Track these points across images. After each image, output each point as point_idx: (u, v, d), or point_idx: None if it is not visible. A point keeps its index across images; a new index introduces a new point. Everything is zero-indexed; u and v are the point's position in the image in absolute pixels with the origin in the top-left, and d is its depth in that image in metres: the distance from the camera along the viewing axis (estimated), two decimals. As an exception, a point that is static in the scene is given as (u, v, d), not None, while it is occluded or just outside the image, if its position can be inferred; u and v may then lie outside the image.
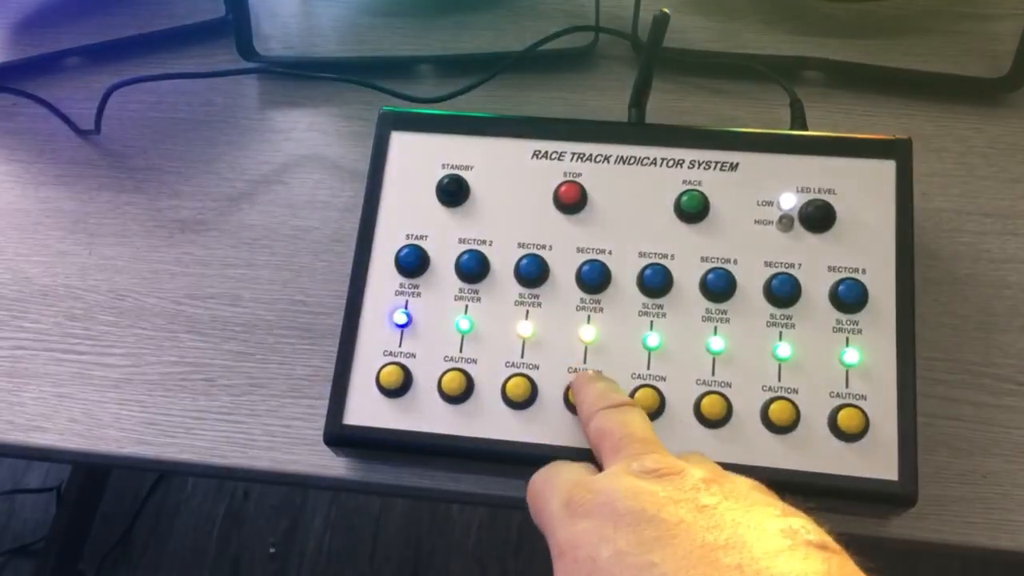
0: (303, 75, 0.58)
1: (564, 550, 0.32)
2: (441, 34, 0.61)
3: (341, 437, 0.43)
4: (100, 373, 0.50)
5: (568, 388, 0.42)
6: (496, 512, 1.31)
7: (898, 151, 0.45)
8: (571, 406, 0.42)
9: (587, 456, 0.39)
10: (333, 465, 0.47)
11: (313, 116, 0.58)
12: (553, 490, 0.34)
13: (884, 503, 0.41)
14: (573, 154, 0.47)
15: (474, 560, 1.30)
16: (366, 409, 0.43)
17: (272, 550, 1.33)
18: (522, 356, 0.43)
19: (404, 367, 0.43)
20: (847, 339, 0.42)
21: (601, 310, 0.44)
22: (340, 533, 1.34)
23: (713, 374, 0.42)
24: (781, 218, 0.44)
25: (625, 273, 0.44)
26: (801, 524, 0.29)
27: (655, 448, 0.35)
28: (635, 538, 0.29)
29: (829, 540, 0.29)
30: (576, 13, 0.60)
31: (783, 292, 0.43)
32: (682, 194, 0.45)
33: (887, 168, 0.45)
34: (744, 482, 0.33)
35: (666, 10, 0.43)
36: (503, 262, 0.45)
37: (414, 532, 1.32)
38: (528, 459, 0.42)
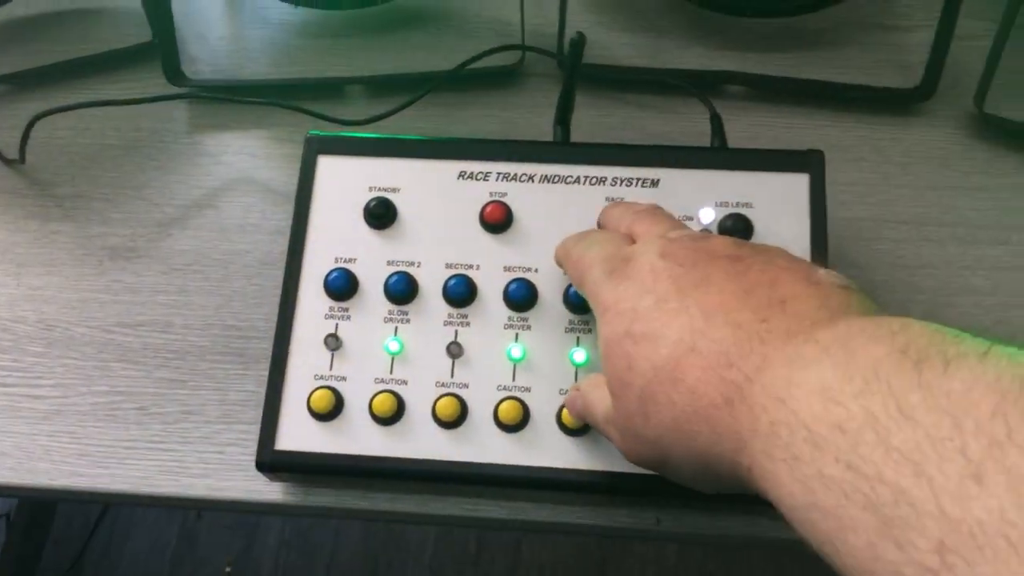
0: (231, 100, 0.58)
1: (608, 306, 0.35)
2: (371, 54, 0.61)
3: (274, 463, 0.43)
4: (29, 405, 0.50)
5: (497, 405, 0.43)
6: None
7: (811, 163, 0.46)
8: (501, 424, 0.43)
9: (520, 480, 0.42)
10: (269, 490, 0.47)
11: (243, 139, 0.58)
12: (593, 259, 0.38)
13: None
14: (498, 174, 0.47)
15: (431, 572, 1.30)
16: (298, 434, 0.43)
17: (228, 569, 1.32)
18: (452, 376, 0.44)
19: (335, 390, 0.44)
20: (766, 349, 0.43)
21: (529, 328, 0.45)
22: (296, 550, 1.33)
23: (638, 387, 0.43)
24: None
25: (551, 291, 0.45)
26: (827, 271, 0.33)
27: (683, 225, 0.40)
28: (672, 286, 0.33)
29: (852, 283, 0.32)
30: (504, 32, 0.60)
31: (704, 305, 0.44)
32: (605, 211, 0.46)
33: (801, 180, 0.46)
34: (772, 247, 0.36)
35: (582, 32, 0.44)
36: (431, 283, 0.46)
37: (371, 546, 1.32)
38: (461, 478, 0.43)
